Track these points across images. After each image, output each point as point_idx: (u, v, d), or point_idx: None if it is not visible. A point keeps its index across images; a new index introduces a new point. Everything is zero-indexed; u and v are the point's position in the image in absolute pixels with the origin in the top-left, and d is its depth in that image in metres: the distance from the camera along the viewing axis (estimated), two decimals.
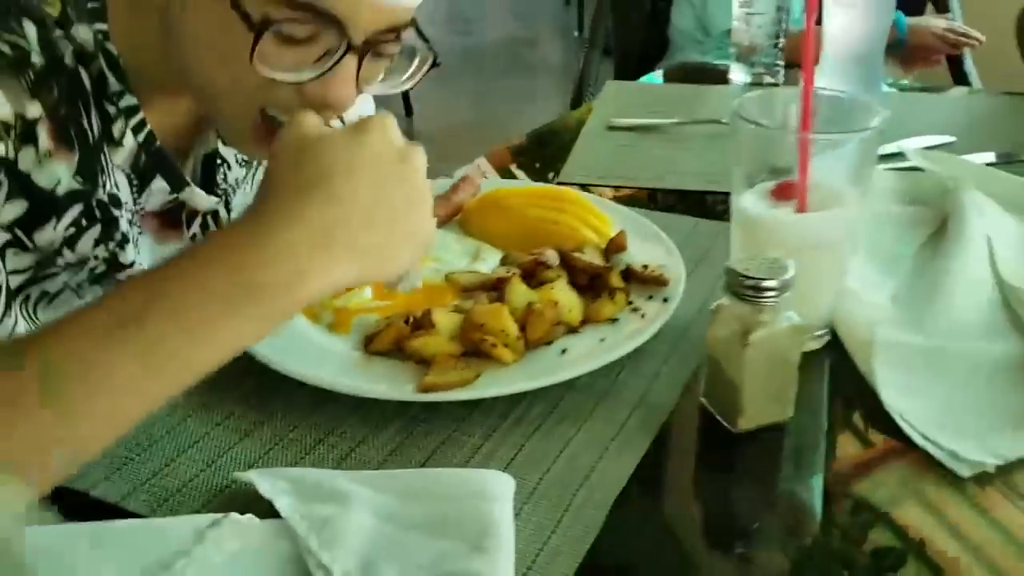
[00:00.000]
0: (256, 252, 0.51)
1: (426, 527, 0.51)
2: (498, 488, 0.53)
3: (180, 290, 0.50)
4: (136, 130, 0.65)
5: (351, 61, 0.59)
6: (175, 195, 0.70)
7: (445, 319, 0.67)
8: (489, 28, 5.11)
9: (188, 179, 0.70)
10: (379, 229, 0.55)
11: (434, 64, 0.65)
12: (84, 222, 0.64)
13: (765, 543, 0.55)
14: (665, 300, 0.72)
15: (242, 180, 0.80)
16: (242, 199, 0.81)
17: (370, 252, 0.54)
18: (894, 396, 0.63)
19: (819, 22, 1.15)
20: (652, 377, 0.67)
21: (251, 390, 0.65)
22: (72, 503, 0.55)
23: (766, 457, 0.62)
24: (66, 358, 0.48)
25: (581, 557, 0.52)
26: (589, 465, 0.59)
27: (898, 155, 0.97)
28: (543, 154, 1.09)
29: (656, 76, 1.48)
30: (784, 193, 0.67)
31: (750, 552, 0.55)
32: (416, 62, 0.66)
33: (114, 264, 0.68)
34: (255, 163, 0.81)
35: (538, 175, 1.04)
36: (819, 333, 0.70)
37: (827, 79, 1.13)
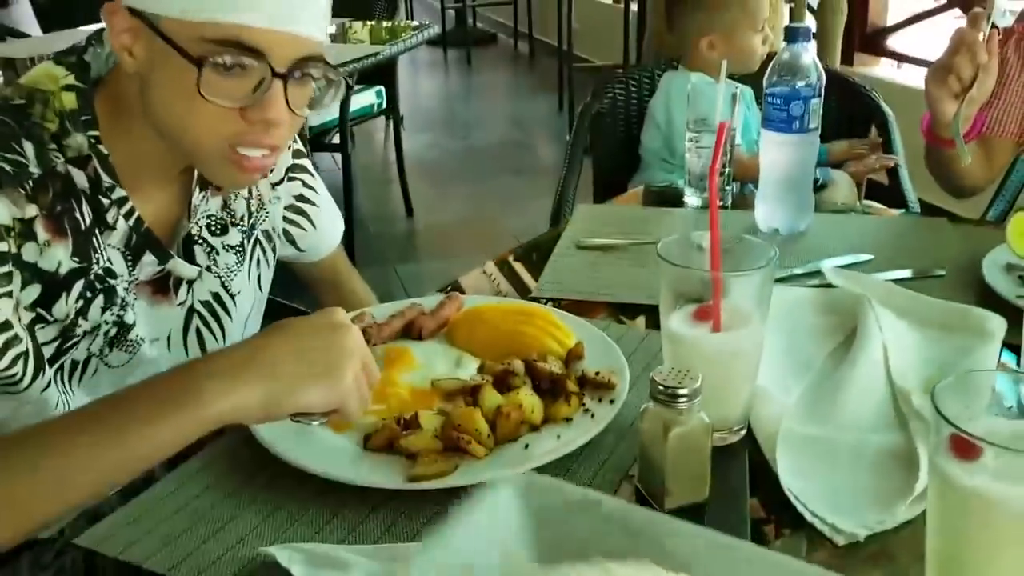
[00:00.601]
0: (187, 375, 0.70)
1: None
2: None
3: (135, 393, 0.71)
4: (127, 216, 0.84)
5: (278, 86, 0.78)
6: (162, 266, 0.87)
7: (429, 420, 0.82)
8: (487, 133, 5.37)
9: (172, 252, 0.88)
10: (290, 366, 0.71)
11: (348, 88, 0.86)
12: (89, 294, 0.83)
13: None
14: (612, 401, 0.87)
15: (234, 265, 0.97)
16: (240, 284, 0.98)
17: (278, 380, 0.71)
18: (790, 479, 0.77)
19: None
20: (599, 466, 0.82)
21: (269, 480, 0.79)
22: (130, 573, 0.69)
23: None
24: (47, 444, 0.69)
25: None
26: None
27: (817, 273, 1.14)
28: (540, 251, 1.28)
29: (629, 190, 1.65)
30: (702, 316, 0.83)
31: None
32: (333, 90, 0.86)
33: (122, 326, 0.85)
34: (247, 250, 0.99)
35: (534, 267, 1.23)
36: (736, 428, 0.85)
37: (766, 204, 1.31)
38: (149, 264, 0.88)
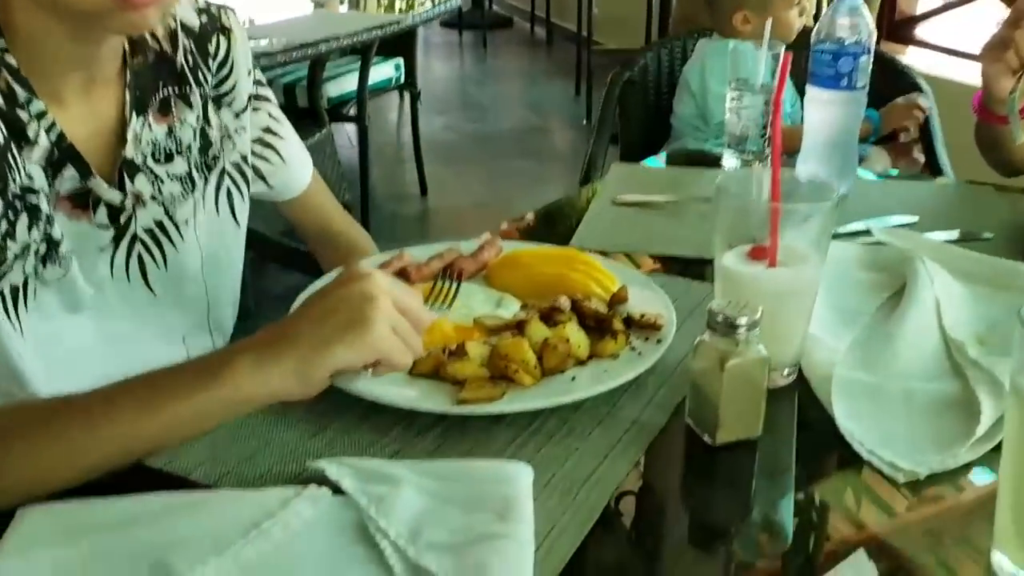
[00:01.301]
0: (221, 357, 0.69)
1: (461, 502, 0.64)
2: (519, 474, 0.66)
3: (168, 372, 0.70)
4: (48, 131, 0.82)
5: None
6: (84, 182, 0.85)
7: (477, 349, 0.81)
8: (502, 116, 5.34)
9: (94, 171, 0.86)
10: (311, 333, 0.70)
11: None
12: (11, 215, 0.80)
13: (738, 534, 0.68)
14: (659, 341, 0.85)
15: (180, 194, 0.95)
16: (188, 213, 0.95)
17: (301, 350, 0.69)
18: (846, 420, 0.76)
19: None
20: (646, 403, 0.80)
21: (316, 402, 0.77)
22: (174, 484, 0.68)
23: (740, 465, 0.74)
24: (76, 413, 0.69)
25: (583, 535, 0.64)
26: (591, 468, 0.72)
27: (865, 232, 1.12)
28: (549, 232, 1.23)
29: (658, 160, 1.64)
30: (758, 254, 0.81)
31: (725, 542, 0.68)
32: None
33: (50, 241, 0.84)
34: (200, 184, 0.97)
35: None
36: (788, 371, 0.83)
37: (808, 164, 1.29)
38: (70, 179, 0.86)
